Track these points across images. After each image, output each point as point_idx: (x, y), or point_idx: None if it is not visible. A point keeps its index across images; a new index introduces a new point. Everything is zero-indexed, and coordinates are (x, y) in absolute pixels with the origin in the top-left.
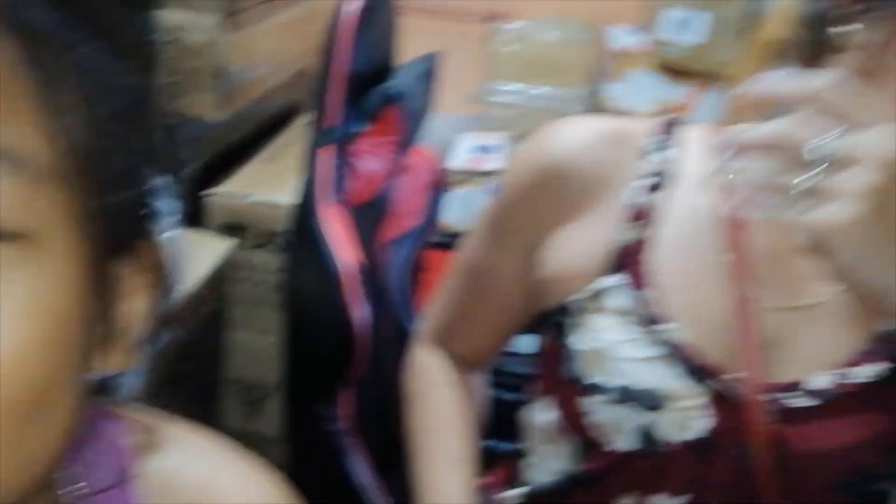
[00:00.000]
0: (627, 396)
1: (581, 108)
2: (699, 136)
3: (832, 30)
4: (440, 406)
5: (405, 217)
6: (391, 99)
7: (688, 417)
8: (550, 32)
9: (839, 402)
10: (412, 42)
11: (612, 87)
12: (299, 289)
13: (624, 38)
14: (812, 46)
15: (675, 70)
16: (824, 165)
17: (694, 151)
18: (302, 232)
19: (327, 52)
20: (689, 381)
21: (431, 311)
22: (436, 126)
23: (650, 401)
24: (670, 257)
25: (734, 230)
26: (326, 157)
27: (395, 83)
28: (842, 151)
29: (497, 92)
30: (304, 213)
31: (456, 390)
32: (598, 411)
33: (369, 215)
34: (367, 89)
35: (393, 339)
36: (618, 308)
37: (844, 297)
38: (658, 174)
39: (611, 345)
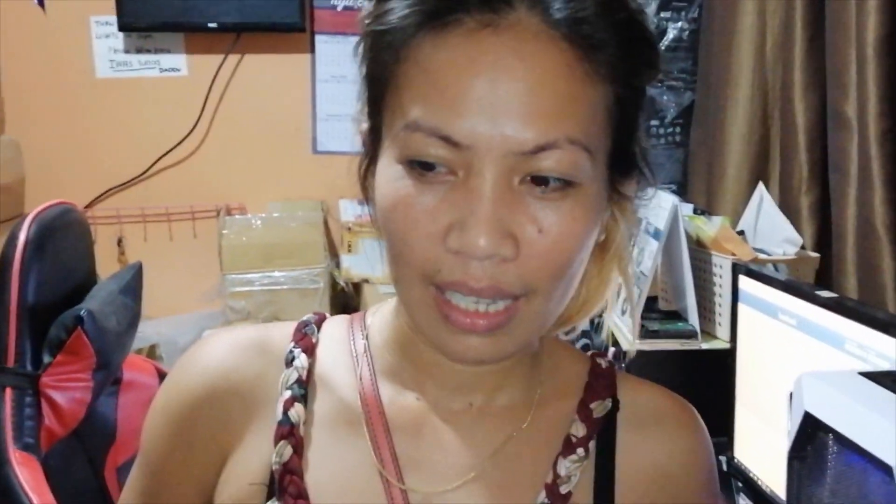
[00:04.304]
0: None
1: (322, 282)
2: (336, 329)
3: None
4: None
5: (134, 437)
6: (75, 323)
7: None
8: (283, 216)
9: None
10: (144, 247)
11: (346, 258)
12: None
13: (352, 210)
14: None
15: None
16: None
17: (331, 348)
18: None
19: None
20: None
21: None
22: (174, 329)
23: None
24: (321, 470)
25: (373, 422)
26: (9, 401)
27: (81, 305)
28: None
29: (237, 282)
30: None
31: None
32: None
33: (84, 446)
34: (53, 318)
35: None
36: None
37: (491, 468)
38: (298, 383)
39: None
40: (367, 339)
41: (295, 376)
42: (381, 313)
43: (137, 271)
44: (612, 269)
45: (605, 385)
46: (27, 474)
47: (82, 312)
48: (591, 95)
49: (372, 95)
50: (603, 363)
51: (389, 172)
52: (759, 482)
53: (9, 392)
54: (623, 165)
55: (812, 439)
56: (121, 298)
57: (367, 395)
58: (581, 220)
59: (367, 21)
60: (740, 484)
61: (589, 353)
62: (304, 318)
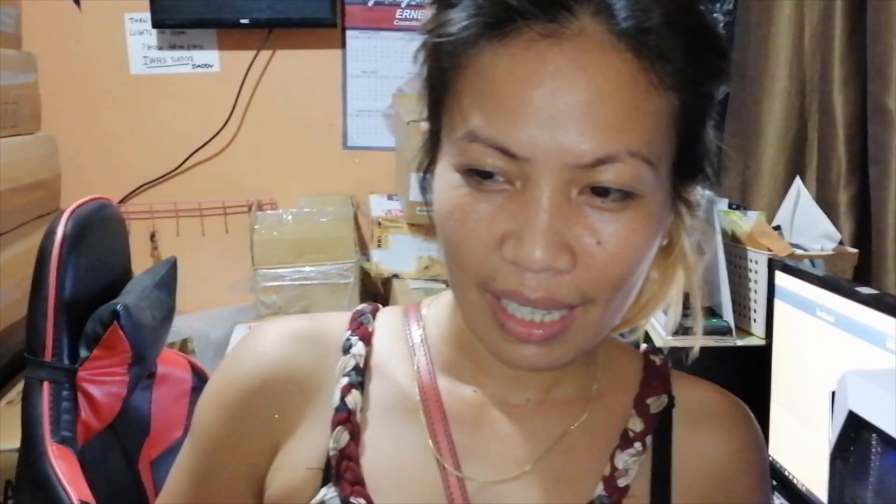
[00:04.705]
0: None
1: (352, 277)
2: (391, 319)
3: None
4: None
5: (167, 431)
6: (111, 317)
7: None
8: (313, 211)
9: None
10: (176, 242)
11: (376, 253)
12: None
13: (382, 205)
14: None
15: (428, 228)
16: None
17: (386, 337)
18: (30, 475)
19: (34, 284)
20: None
21: None
22: (206, 323)
23: None
24: (378, 456)
25: (431, 410)
26: (46, 394)
27: (118, 300)
28: None
29: (268, 277)
30: (31, 456)
31: None
32: None
33: (119, 439)
34: (90, 312)
35: None
36: None
37: (549, 460)
38: (356, 370)
39: None
40: (423, 329)
41: (352, 363)
42: (436, 306)
43: (172, 266)
44: (675, 271)
45: (660, 381)
46: (64, 467)
47: (118, 307)
48: (656, 105)
49: (432, 100)
50: (656, 360)
51: (448, 180)
52: (795, 481)
53: (46, 386)
54: (688, 171)
55: (856, 439)
56: (156, 293)
57: (424, 384)
58: (641, 231)
59: (427, 29)
60: (775, 483)
61: (640, 349)
62: (359, 307)
